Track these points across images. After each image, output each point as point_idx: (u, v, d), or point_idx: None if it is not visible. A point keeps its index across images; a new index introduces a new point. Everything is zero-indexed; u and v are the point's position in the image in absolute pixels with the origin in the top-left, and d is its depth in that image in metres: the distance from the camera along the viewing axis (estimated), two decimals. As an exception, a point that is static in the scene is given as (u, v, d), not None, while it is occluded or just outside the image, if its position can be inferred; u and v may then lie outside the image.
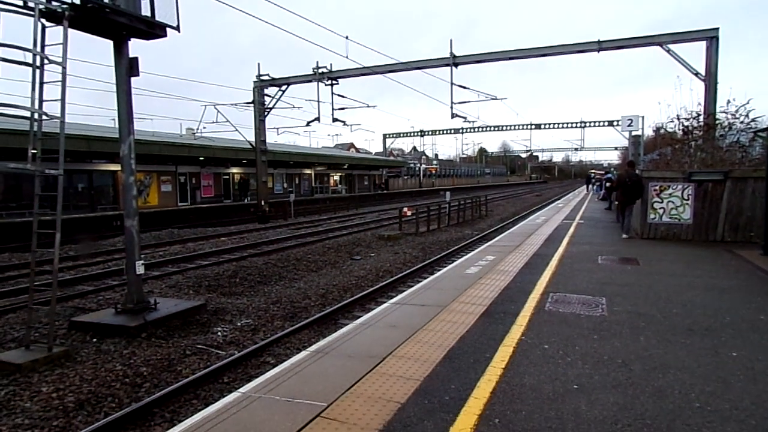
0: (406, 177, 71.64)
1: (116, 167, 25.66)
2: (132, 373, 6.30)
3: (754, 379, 3.94)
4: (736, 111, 14.33)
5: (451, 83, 22.48)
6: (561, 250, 10.76)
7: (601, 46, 19.59)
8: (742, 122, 14.19)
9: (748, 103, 14.25)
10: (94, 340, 7.51)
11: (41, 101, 6.62)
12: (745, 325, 5.36)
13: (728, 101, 14.85)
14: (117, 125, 8.56)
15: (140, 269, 8.39)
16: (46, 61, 6.63)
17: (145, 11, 7.94)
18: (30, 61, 6.52)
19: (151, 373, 6.36)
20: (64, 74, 6.73)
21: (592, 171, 70.38)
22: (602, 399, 3.60)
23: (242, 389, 3.90)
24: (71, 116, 25.58)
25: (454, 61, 21.80)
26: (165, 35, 8.38)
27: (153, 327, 7.86)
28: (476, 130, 56.59)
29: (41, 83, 6.59)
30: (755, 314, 5.76)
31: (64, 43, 6.72)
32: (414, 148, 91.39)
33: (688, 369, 4.14)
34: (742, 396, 3.63)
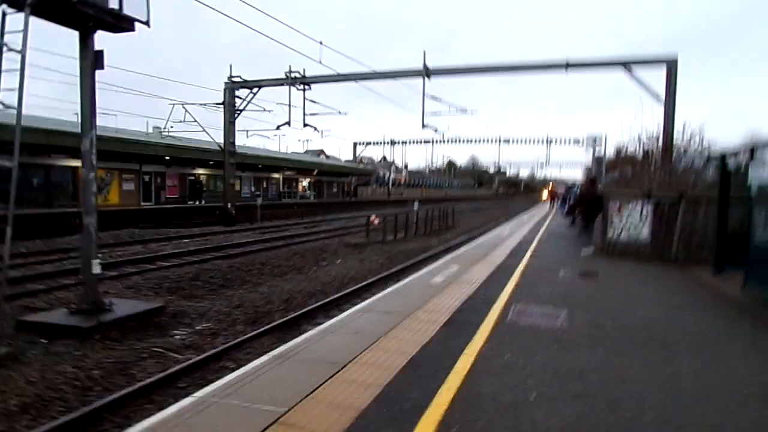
0: (375, 186, 71.75)
1: (76, 163, 24.74)
2: (83, 375, 6.05)
3: (703, 390, 4.08)
4: (691, 137, 15.03)
5: (423, 94, 22.76)
6: (524, 262, 10.96)
7: (568, 65, 20.20)
8: (696, 147, 14.87)
9: (702, 127, 14.98)
10: (44, 341, 7.18)
11: (-2, 89, 6.35)
12: (696, 339, 5.56)
13: (684, 126, 15.57)
14: (79, 120, 8.28)
15: (97, 269, 8.10)
16: (5, 49, 6.37)
17: (113, 3, 7.73)
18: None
19: (103, 376, 6.12)
20: (23, 63, 6.48)
21: (552, 185, 74.58)
22: (560, 409, 3.66)
23: (198, 394, 3.79)
24: (30, 108, 24.59)
25: (426, 73, 22.06)
26: (133, 29, 8.19)
27: (108, 329, 7.58)
28: (446, 142, 57.37)
29: (-1, 71, 6.33)
30: (706, 328, 6.00)
31: (25, 31, 6.49)
32: (384, 157, 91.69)
33: (643, 380, 4.26)
34: (692, 406, 3.75)
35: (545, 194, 71.66)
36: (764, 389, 4.16)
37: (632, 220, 12.49)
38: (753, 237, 8.11)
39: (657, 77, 18.43)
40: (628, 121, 36.52)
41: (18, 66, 6.46)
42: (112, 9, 7.77)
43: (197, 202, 34.51)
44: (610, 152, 22.52)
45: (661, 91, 18.11)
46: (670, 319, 6.44)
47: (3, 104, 6.42)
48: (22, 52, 6.49)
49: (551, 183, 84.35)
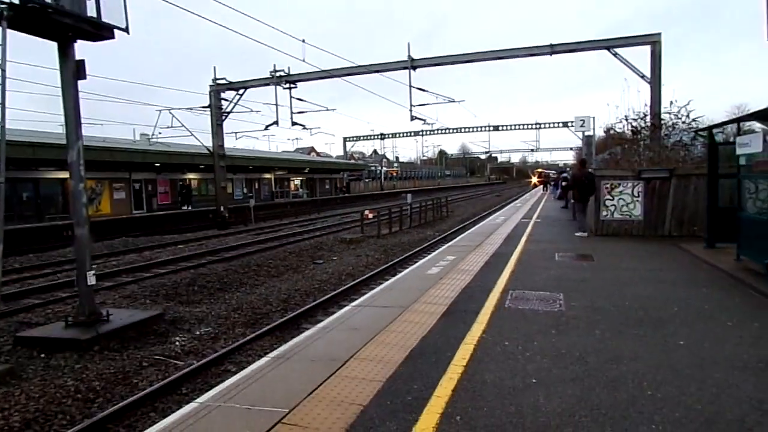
0: (367, 180, 71.70)
1: (65, 174, 24.54)
2: (84, 388, 6.03)
3: (700, 365, 4.13)
4: (678, 111, 15.09)
5: (410, 86, 22.69)
6: (520, 248, 11.00)
7: (553, 49, 20.20)
8: (684, 122, 14.94)
9: (688, 104, 15.04)
10: (42, 355, 7.15)
11: (-21, 106, 6.28)
12: (691, 314, 5.62)
13: (671, 102, 15.63)
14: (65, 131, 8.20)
15: (92, 280, 8.06)
16: (-17, 64, 6.29)
17: (92, 12, 7.64)
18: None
19: (104, 387, 6.11)
20: (3, 77, 6.41)
21: (538, 170, 72.91)
22: (560, 392, 3.70)
23: (200, 399, 3.79)
24: (14, 122, 24.38)
25: (412, 64, 22.00)
26: (113, 37, 8.10)
27: (106, 339, 7.56)
28: (436, 132, 57.39)
29: (-22, 87, 6.25)
30: (701, 304, 6.06)
31: (3, 45, 6.40)
32: (375, 151, 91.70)
33: (641, 359, 4.30)
34: (690, 382, 3.80)
35: (534, 179, 70.15)
36: (761, 360, 4.21)
37: (624, 200, 12.57)
38: (743, 210, 8.19)
39: (642, 56, 18.50)
40: (615, 102, 36.74)
41: (-2, 80, 6.39)
42: (91, 17, 7.68)
43: (187, 207, 34.09)
44: (600, 133, 22.56)
45: (647, 69, 18.17)
46: (666, 295, 6.49)
47: (-15, 120, 6.35)
48: (2, 66, 6.41)
49: (539, 168, 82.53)
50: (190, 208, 33.88)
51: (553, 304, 6.18)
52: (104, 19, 7.84)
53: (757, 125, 9.29)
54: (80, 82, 8.09)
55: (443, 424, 3.25)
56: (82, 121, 8.24)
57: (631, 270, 8.29)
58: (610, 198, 12.65)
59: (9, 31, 6.60)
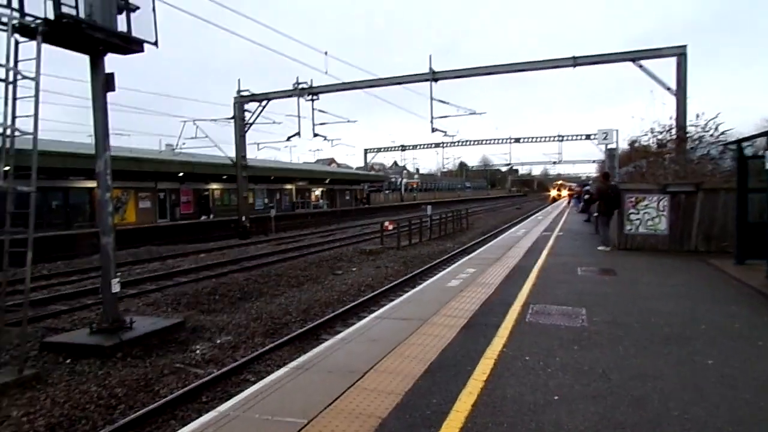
0: (387, 191, 71.79)
1: (93, 184, 25.16)
2: (107, 394, 6.13)
3: (729, 385, 4.00)
4: (706, 124, 14.80)
5: (431, 98, 22.76)
6: (541, 261, 10.86)
7: (576, 61, 20.05)
8: (711, 135, 14.64)
9: (716, 116, 14.73)
10: (68, 361, 7.29)
11: (14, 117, 6.51)
12: (719, 332, 5.46)
13: (697, 115, 15.34)
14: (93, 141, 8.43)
15: (116, 287, 8.22)
16: (19, 77, 6.53)
17: (122, 26, 7.88)
18: (2, 76, 6.41)
19: (126, 394, 6.19)
20: (37, 89, 6.63)
21: (559, 183, 72.79)
22: (582, 409, 3.62)
23: (220, 408, 3.82)
24: (46, 132, 25.10)
25: (433, 77, 22.08)
26: (142, 50, 8.34)
27: (129, 346, 7.68)
28: (456, 144, 57.30)
29: (14, 99, 6.49)
30: (729, 322, 5.88)
31: (38, 59, 6.63)
32: (395, 162, 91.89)
33: (666, 377, 4.19)
34: (719, 403, 3.68)
35: (554, 192, 69.18)
36: (793, 381, 4.06)
37: (649, 213, 12.33)
38: (774, 225, 7.95)
39: (668, 68, 18.25)
40: (639, 114, 36.19)
41: (32, 93, 6.62)
42: (121, 32, 7.93)
43: (207, 217, 34.40)
44: (624, 146, 22.23)
45: (672, 81, 17.91)
46: (692, 312, 6.32)
47: (20, 131, 6.57)
48: (36, 79, 6.64)
49: (559, 180, 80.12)
50: (210, 217, 34.19)
51: (575, 319, 6.08)
52: (134, 33, 8.08)
53: (788, 138, 9.04)
54: (109, 94, 8.34)
55: (462, 440, 3.21)
56: (111, 131, 8.47)
57: (655, 285, 8.11)
58: (635, 212, 12.42)
59: (43, 45, 6.84)
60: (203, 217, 34.14)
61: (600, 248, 12.70)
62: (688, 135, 15.43)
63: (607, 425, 3.37)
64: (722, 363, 4.52)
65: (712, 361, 4.58)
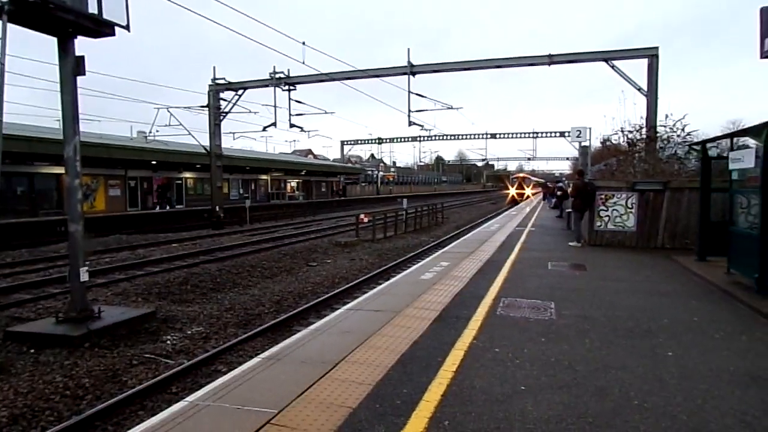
0: (363, 184, 71.73)
1: (61, 170, 24.46)
2: (73, 384, 6.02)
3: (687, 376, 4.18)
4: (674, 125, 15.23)
5: (409, 92, 22.75)
6: (513, 256, 11.05)
7: (552, 59, 20.33)
8: (678, 136, 15.09)
9: (684, 117, 15.19)
10: (32, 351, 7.12)
11: (-23, 99, 6.27)
12: (680, 326, 5.67)
13: (666, 116, 15.78)
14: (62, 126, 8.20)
15: (84, 276, 8.04)
16: (-18, 57, 6.29)
17: (93, 8, 7.65)
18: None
19: (94, 384, 6.09)
20: (2, 71, 6.41)
21: (521, 176, 58.19)
22: (548, 399, 3.73)
23: (189, 398, 3.80)
24: (12, 116, 24.26)
25: (411, 70, 22.07)
26: (113, 34, 8.11)
27: (97, 336, 7.54)
28: (433, 138, 57.34)
29: (-23, 80, 6.25)
30: (690, 316, 6.11)
31: (3, 39, 6.41)
32: (372, 155, 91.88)
33: (628, 369, 4.34)
34: (676, 393, 3.84)
35: (512, 191, 53.58)
36: (746, 374, 4.26)
37: (618, 211, 12.66)
38: (734, 224, 8.27)
39: (640, 69, 18.66)
40: (611, 114, 36.94)
41: (-3, 74, 6.39)
42: (92, 14, 7.68)
43: (162, 207, 32.48)
44: (596, 144, 22.70)
45: (644, 82, 18.33)
46: (656, 307, 6.55)
47: (-17, 113, 6.34)
48: (1, 60, 6.41)
49: (520, 173, 63.99)
50: (168, 208, 32.44)
51: (544, 313, 6.22)
52: (105, 16, 7.85)
53: (750, 141, 9.39)
54: (79, 78, 8.11)
55: (431, 429, 3.28)
56: (81, 117, 8.25)
57: (622, 281, 8.35)
58: (604, 209, 12.73)
59: (9, 25, 6.61)
60: (159, 208, 32.38)
61: (571, 244, 12.98)
62: (657, 135, 15.86)
63: (571, 414, 3.48)
64: (681, 355, 4.70)
65: (672, 353, 4.76)
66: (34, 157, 23.50)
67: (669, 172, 14.26)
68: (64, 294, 10.04)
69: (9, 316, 8.84)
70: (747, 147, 8.72)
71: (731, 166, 8.29)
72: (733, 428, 3.30)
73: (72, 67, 7.92)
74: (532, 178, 63.72)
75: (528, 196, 52.74)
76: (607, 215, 12.72)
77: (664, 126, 15.69)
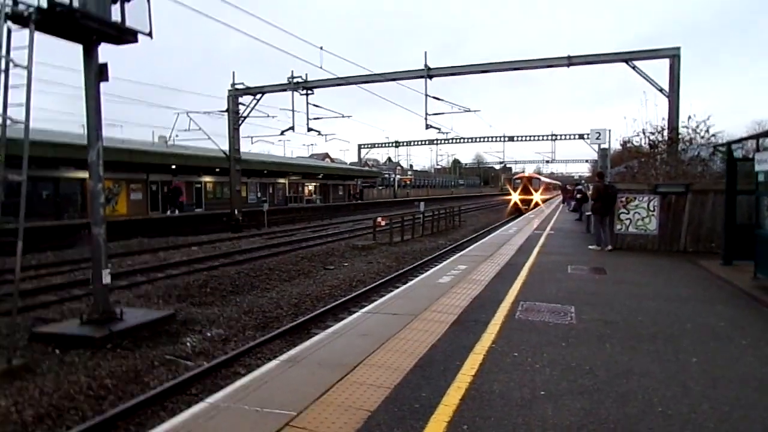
0: (380, 187, 71.84)
1: (84, 174, 24.95)
2: (96, 385, 6.13)
3: (712, 384, 4.08)
4: (697, 126, 14.94)
5: (426, 95, 22.77)
6: (532, 259, 10.94)
7: (571, 61, 20.13)
8: (702, 137, 14.79)
9: (708, 119, 14.89)
10: (57, 351, 7.27)
11: (5, 105, 6.45)
12: (705, 332, 5.54)
13: (689, 117, 15.48)
14: (85, 131, 8.39)
15: (107, 278, 8.20)
16: (11, 65, 6.47)
17: (116, 16, 7.83)
18: (-6, 64, 6.35)
19: (116, 385, 6.20)
20: (29, 78, 6.58)
21: (526, 176, 43.48)
22: (569, 405, 3.67)
23: (210, 399, 3.84)
24: (38, 121, 24.86)
25: (428, 74, 22.08)
26: (136, 40, 8.29)
27: (119, 338, 7.67)
28: (450, 141, 57.31)
29: (6, 87, 6.43)
30: (715, 321, 5.97)
31: (30, 47, 6.58)
32: (389, 158, 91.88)
33: (651, 375, 4.26)
34: (701, 400, 3.75)
35: (515, 197, 41.38)
36: (775, 380, 4.14)
37: (639, 214, 12.45)
38: (761, 227, 8.06)
39: (662, 70, 18.37)
40: (632, 115, 36.42)
41: (24, 81, 6.56)
42: (115, 22, 7.87)
43: (172, 211, 31.58)
44: (616, 146, 22.38)
45: (666, 83, 18.03)
46: (679, 311, 6.41)
47: (11, 119, 6.52)
48: (28, 68, 6.59)
49: (524, 172, 52.48)
50: (175, 212, 31.49)
51: (564, 317, 6.14)
52: (128, 23, 8.04)
53: (776, 142, 9.17)
54: (103, 84, 8.29)
55: (450, 433, 3.25)
56: (104, 122, 8.43)
57: (644, 285, 8.20)
58: (625, 212, 12.53)
59: (36, 34, 6.79)
60: (170, 212, 31.50)
61: (591, 247, 12.80)
62: (679, 136, 15.58)
63: (593, 420, 3.42)
64: (706, 361, 4.60)
65: (696, 359, 4.65)
66: (58, 162, 24.07)
67: (692, 174, 13.98)
68: (88, 296, 10.25)
69: (35, 317, 9.05)
70: (773, 148, 8.52)
71: (757, 168, 8.09)
72: (762, 437, 3.21)
73: (96, 74, 8.11)
74: (543, 179, 47.74)
75: (537, 203, 39.69)
76: (629, 218, 12.52)
77: (687, 127, 15.41)
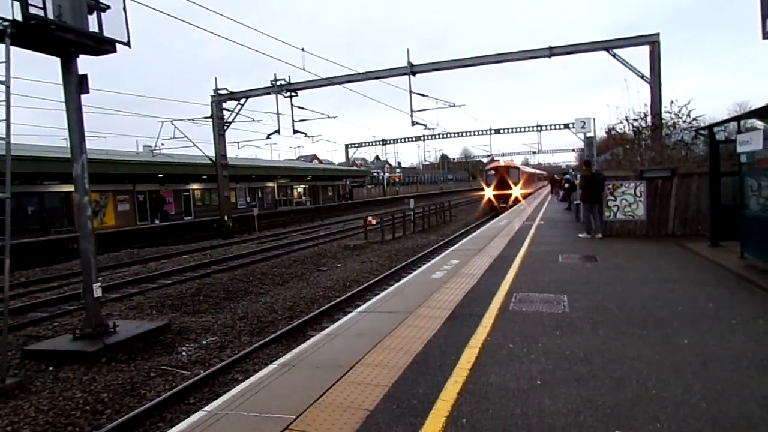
0: (370, 186, 71.77)
1: (69, 188, 24.68)
2: (92, 399, 6.08)
3: (704, 364, 4.14)
4: (679, 111, 15.11)
5: (410, 91, 22.77)
6: (523, 250, 11.01)
7: (552, 51, 20.24)
8: (684, 122, 14.96)
9: (689, 103, 15.06)
10: (51, 368, 7.20)
11: (-15, 122, 6.36)
12: (695, 313, 5.62)
13: (671, 102, 15.65)
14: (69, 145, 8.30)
15: (98, 292, 8.12)
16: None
17: (93, 27, 7.74)
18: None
19: (112, 398, 6.15)
20: (8, 93, 6.49)
21: (503, 166, 35.87)
22: (565, 393, 3.71)
23: (208, 408, 3.83)
24: (19, 137, 24.53)
25: (411, 70, 22.09)
26: (115, 50, 8.21)
27: (113, 351, 7.61)
28: (437, 137, 57.37)
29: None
30: (705, 302, 6.06)
31: (7, 62, 6.48)
32: (377, 157, 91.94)
33: (644, 359, 4.31)
34: (694, 381, 3.81)
35: (488, 192, 34.18)
36: (765, 358, 4.22)
37: (627, 200, 12.57)
38: (746, 208, 8.19)
39: (643, 56, 18.52)
40: (615, 102, 36.66)
41: (2, 97, 6.47)
42: (93, 32, 7.78)
43: (156, 221, 30.93)
44: (601, 134, 22.53)
45: (647, 70, 18.19)
46: (669, 295, 6.50)
47: (-9, 136, 6.43)
48: (6, 83, 6.50)
49: (499, 161, 43.85)
50: (157, 222, 30.64)
51: (557, 306, 6.19)
52: (106, 33, 7.95)
53: (757, 123, 9.30)
54: (84, 96, 8.20)
55: (449, 427, 3.28)
56: (86, 134, 8.34)
57: (634, 270, 8.29)
58: (613, 198, 12.65)
59: (12, 48, 6.69)
60: (156, 221, 30.88)
61: (581, 236, 12.90)
62: (663, 122, 15.74)
63: (589, 407, 3.46)
64: (698, 343, 4.66)
65: (688, 340, 4.72)
66: (43, 176, 23.79)
67: (676, 159, 14.14)
68: (80, 310, 10.15)
69: (26, 335, 8.95)
70: (755, 129, 8.64)
71: (739, 149, 8.21)
72: (755, 413, 3.27)
73: (76, 86, 8.01)
74: (525, 168, 41.49)
75: (517, 199, 32.81)
76: (616, 205, 12.64)
77: (669, 112, 15.57)
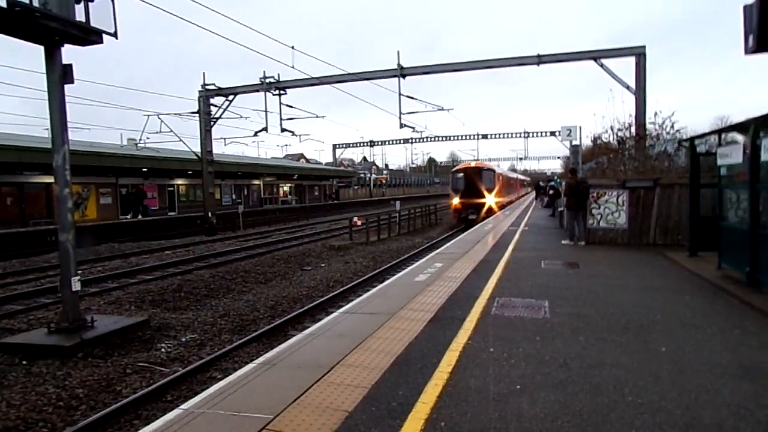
0: (356, 187, 71.71)
1: (50, 179, 24.23)
2: (66, 395, 5.96)
3: (681, 371, 4.20)
4: (663, 122, 15.38)
5: (399, 94, 22.81)
6: (507, 255, 11.08)
7: (541, 59, 20.46)
8: (668, 133, 15.23)
9: (672, 115, 15.35)
10: (24, 362, 7.05)
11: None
12: (674, 321, 5.71)
13: (655, 113, 15.93)
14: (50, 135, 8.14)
15: (76, 285, 7.97)
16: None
17: (80, 16, 7.60)
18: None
19: (87, 394, 6.04)
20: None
21: (472, 167, 28.55)
22: (543, 397, 3.74)
23: (184, 406, 3.77)
24: (1, 125, 24.08)
25: (401, 73, 22.14)
26: (101, 41, 8.07)
27: (90, 346, 7.47)
28: (425, 140, 57.49)
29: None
30: (683, 311, 6.15)
31: (-10, 48, 6.35)
32: (364, 158, 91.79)
33: (623, 365, 4.36)
34: (670, 388, 3.86)
35: (455, 200, 27.91)
36: (740, 367, 4.29)
37: (609, 208, 12.74)
38: (724, 219, 8.35)
39: (629, 68, 18.81)
40: (601, 112, 37.16)
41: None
42: (79, 22, 7.64)
43: (132, 216, 30.45)
44: (587, 142, 22.80)
45: (632, 81, 18.47)
46: (649, 303, 6.59)
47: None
48: (-13, 70, 6.37)
49: (471, 162, 34.92)
50: (138, 217, 30.00)
51: (538, 312, 6.24)
52: (93, 23, 7.81)
53: (737, 136, 9.48)
54: (68, 87, 8.06)
55: (428, 430, 3.27)
56: (69, 125, 8.20)
57: (615, 278, 8.40)
58: (596, 206, 12.81)
59: (-5, 35, 6.57)
60: (130, 216, 30.24)
61: (564, 242, 13.04)
62: (647, 133, 16.00)
63: (567, 412, 3.49)
64: (675, 350, 4.73)
65: (666, 348, 4.79)
66: (23, 166, 23.33)
67: (659, 169, 14.37)
68: (56, 304, 9.96)
69: (0, 327, 8.75)
70: (735, 142, 8.82)
71: (719, 162, 8.38)
72: (727, 421, 3.32)
73: (59, 76, 7.87)
74: (503, 172, 35.36)
75: (491, 209, 27.05)
76: (599, 213, 12.80)
77: (653, 123, 15.84)
